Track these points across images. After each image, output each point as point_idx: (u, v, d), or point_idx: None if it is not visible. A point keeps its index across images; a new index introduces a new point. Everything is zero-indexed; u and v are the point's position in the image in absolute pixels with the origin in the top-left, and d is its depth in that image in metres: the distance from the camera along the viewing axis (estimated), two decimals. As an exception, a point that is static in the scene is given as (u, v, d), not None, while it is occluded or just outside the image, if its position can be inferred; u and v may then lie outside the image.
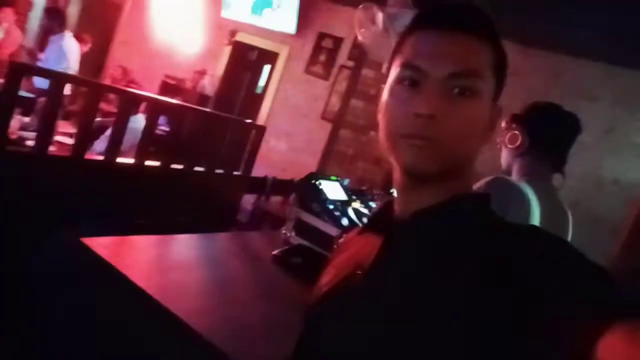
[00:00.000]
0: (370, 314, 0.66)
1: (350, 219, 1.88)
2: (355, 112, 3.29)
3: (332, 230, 1.83)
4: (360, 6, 2.99)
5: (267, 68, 5.91)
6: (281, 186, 5.14)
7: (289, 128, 5.31)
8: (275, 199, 5.13)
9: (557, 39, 4.49)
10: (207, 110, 3.11)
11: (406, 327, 0.61)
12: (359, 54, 3.37)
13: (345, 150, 3.29)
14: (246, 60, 6.06)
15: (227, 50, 5.88)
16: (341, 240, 0.93)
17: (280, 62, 5.52)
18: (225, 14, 5.68)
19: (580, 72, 4.84)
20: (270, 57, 5.68)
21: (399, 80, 0.68)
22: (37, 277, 1.63)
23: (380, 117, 0.72)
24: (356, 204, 2.03)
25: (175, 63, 6.15)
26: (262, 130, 2.98)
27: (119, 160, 2.03)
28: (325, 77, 5.23)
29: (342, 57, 5.16)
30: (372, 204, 2.19)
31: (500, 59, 0.69)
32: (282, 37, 5.42)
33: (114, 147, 1.98)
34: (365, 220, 1.94)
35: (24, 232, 1.75)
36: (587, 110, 4.37)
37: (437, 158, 0.66)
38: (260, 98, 5.76)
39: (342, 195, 2.03)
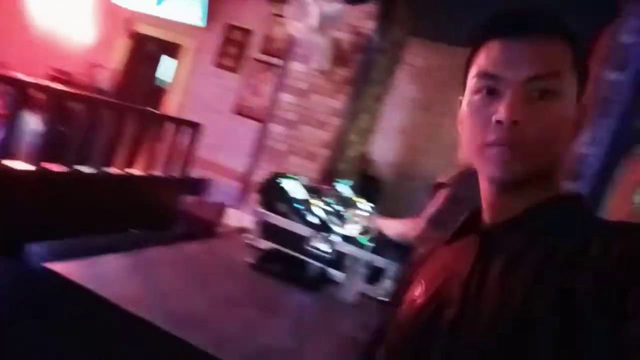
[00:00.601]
0: (473, 324, 0.63)
1: (318, 217, 1.83)
2: (285, 106, 3.22)
3: (304, 231, 1.76)
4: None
5: (172, 61, 5.56)
6: (195, 184, 4.90)
7: (201, 122, 5.07)
8: (189, 199, 4.88)
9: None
10: (142, 108, 2.82)
11: (511, 334, 0.59)
12: (288, 47, 3.30)
13: (277, 146, 3.21)
14: (147, 53, 5.65)
15: (124, 42, 5.42)
16: (423, 251, 0.91)
17: (187, 55, 5.23)
18: (117, 0, 5.23)
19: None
20: (174, 49, 5.35)
21: (476, 91, 0.69)
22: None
23: (462, 129, 0.73)
24: (317, 201, 1.97)
25: (63, 55, 5.53)
26: (198, 128, 2.79)
27: (51, 168, 1.75)
28: (236, 71, 5.06)
29: (253, 49, 5.02)
30: (330, 200, 2.16)
31: (579, 56, 0.68)
32: (187, 28, 5.13)
33: (47, 152, 1.70)
34: (331, 217, 1.90)
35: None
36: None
37: (524, 165, 0.65)
38: (163, 92, 5.42)
39: (303, 194, 1.96)
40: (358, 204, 2.43)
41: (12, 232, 1.64)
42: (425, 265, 0.84)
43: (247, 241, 1.81)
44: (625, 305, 0.52)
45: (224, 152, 5.09)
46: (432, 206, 1.72)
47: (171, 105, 5.23)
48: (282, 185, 1.86)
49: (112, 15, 5.41)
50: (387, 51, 3.38)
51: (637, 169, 2.63)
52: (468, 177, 1.76)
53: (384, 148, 5.18)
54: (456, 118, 0.78)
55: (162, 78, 5.93)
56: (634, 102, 2.34)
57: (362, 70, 3.09)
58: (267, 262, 1.61)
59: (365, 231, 1.99)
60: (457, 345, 0.64)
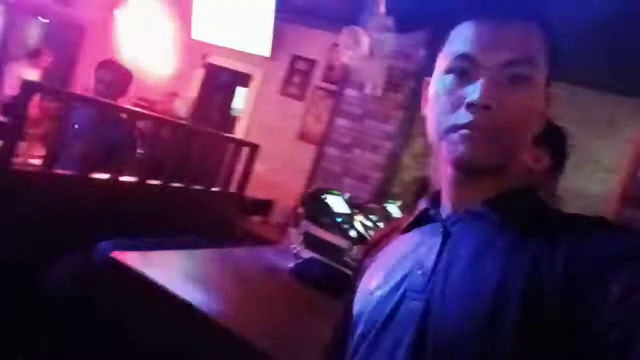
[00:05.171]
0: (442, 315, 0.61)
1: (357, 231, 1.95)
2: (340, 130, 3.38)
3: (342, 243, 1.89)
4: (345, 29, 3.13)
5: (241, 90, 5.95)
6: (259, 206, 5.16)
7: (265, 148, 5.34)
8: (254, 219, 5.14)
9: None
10: (206, 129, 3.12)
11: (483, 321, 0.57)
12: (342, 74, 3.50)
13: (331, 168, 3.37)
14: (219, 82, 6.09)
15: (199, 72, 5.89)
16: (374, 240, 0.87)
17: (254, 84, 5.58)
18: (196, 35, 5.71)
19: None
20: (244, 79, 5.74)
21: (449, 71, 0.67)
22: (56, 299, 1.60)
23: (429, 110, 0.70)
24: (359, 217, 2.10)
25: (146, 85, 6.09)
26: (255, 148, 3.03)
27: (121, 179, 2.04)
28: (301, 99, 5.33)
29: (317, 78, 5.28)
30: (373, 217, 2.27)
31: (551, 44, 0.67)
32: (255, 59, 5.49)
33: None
34: (370, 232, 2.01)
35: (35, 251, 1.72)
36: (550, 128, 4.68)
37: (494, 150, 0.63)
38: (234, 120, 5.79)
39: (346, 209, 2.10)
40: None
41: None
42: (381, 255, 0.79)
43: (292, 250, 1.96)
44: (592, 302, 0.52)
45: (288, 175, 5.33)
46: None
47: (240, 131, 5.58)
48: (325, 200, 2.00)
49: (190, 48, 5.92)
50: (441, 77, 3.47)
51: None
52: None
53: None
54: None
55: (236, 106, 6.36)
56: None
57: (414, 96, 3.20)
58: (304, 269, 1.74)
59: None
60: (425, 337, 0.61)
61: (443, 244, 0.67)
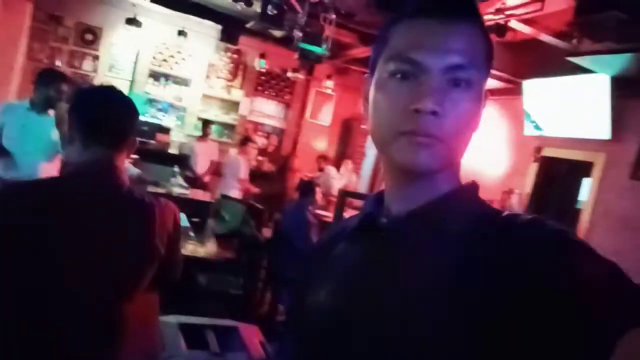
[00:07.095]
0: (397, 335, 0.59)
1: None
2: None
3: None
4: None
5: (584, 180, 5.42)
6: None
7: (615, 244, 4.59)
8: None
9: None
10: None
11: (423, 335, 0.57)
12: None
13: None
14: (555, 175, 5.73)
15: (533, 167, 5.73)
16: (321, 240, 0.86)
17: (596, 172, 5.01)
18: (528, 131, 5.65)
19: None
20: (583, 168, 5.23)
21: (391, 74, 0.64)
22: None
23: (370, 114, 0.68)
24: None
25: (484, 186, 6.32)
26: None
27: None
28: (659, 181, 4.44)
29: (679, 154, 4.33)
30: None
31: (490, 47, 0.67)
32: (595, 144, 4.98)
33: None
34: None
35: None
36: None
37: (441, 155, 0.63)
38: (576, 213, 5.25)
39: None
40: None
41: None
42: (328, 260, 0.75)
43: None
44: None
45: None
46: None
47: (583, 226, 5.00)
48: None
49: (522, 145, 5.89)
50: None
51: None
52: None
53: None
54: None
55: (580, 199, 5.79)
56: None
57: None
58: None
59: None
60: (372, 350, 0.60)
61: (386, 251, 0.67)
